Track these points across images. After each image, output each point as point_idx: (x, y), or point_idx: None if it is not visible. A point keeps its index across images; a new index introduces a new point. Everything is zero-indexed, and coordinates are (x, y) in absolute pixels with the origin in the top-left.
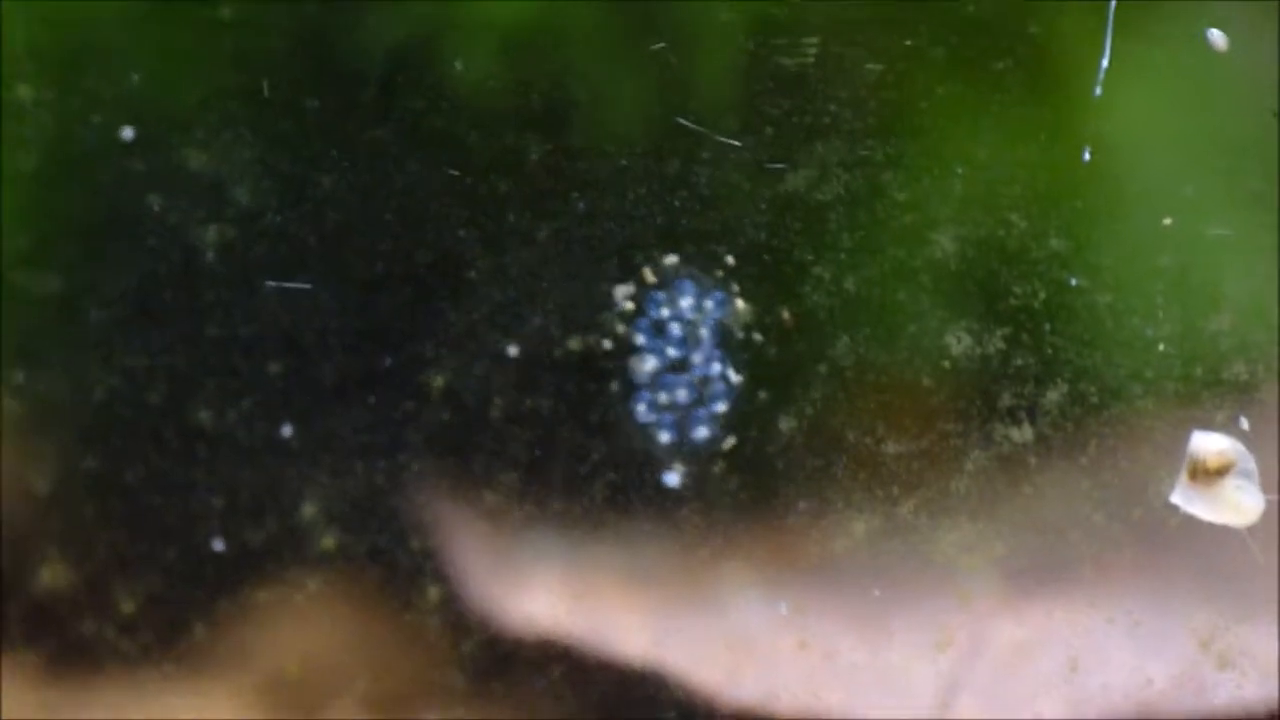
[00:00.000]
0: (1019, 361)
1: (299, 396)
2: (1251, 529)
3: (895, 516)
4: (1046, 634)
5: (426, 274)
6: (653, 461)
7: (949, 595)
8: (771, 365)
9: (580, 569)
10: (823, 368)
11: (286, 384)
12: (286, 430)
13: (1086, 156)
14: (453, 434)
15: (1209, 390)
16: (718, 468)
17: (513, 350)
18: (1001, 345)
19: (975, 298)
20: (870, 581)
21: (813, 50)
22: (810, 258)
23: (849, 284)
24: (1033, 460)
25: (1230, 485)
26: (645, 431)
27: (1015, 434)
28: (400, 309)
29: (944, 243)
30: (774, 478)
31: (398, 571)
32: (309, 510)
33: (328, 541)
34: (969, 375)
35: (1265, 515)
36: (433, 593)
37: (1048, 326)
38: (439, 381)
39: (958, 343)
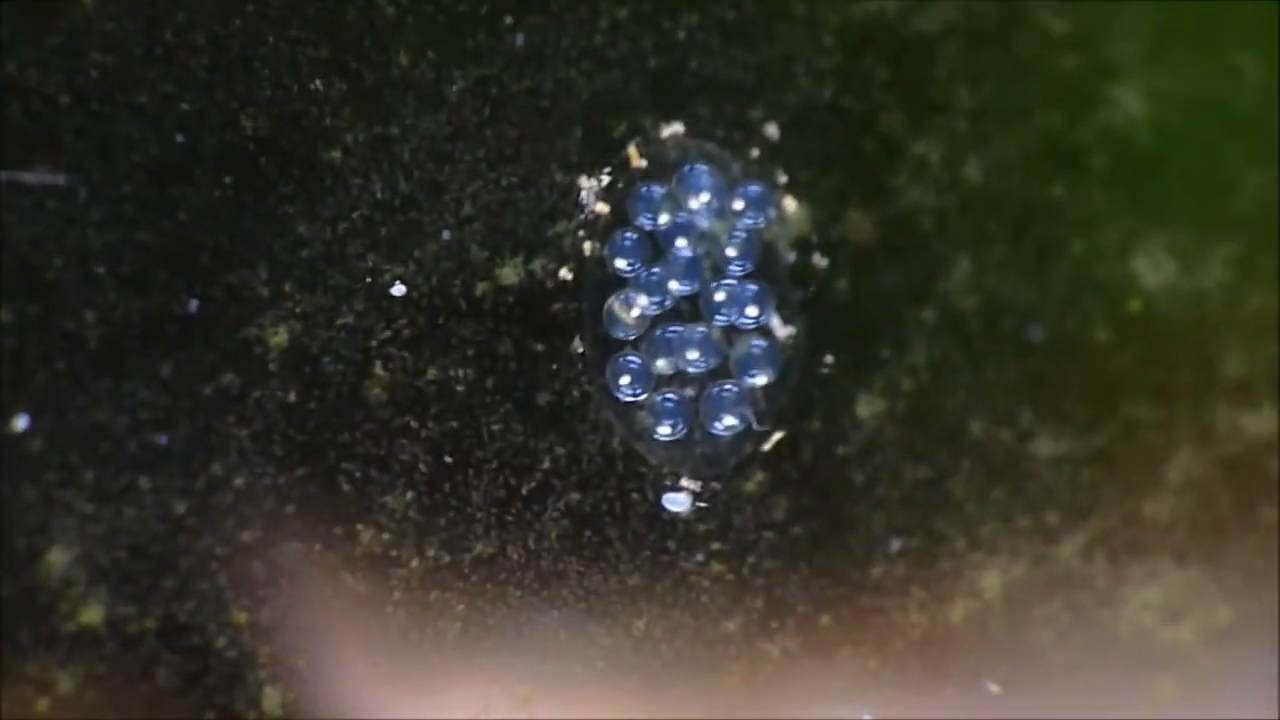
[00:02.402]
0: (1256, 300)
1: (41, 368)
2: None
3: (1052, 560)
4: None
5: (257, 155)
6: (645, 473)
7: (1144, 693)
8: (843, 309)
9: (524, 657)
10: (928, 312)
11: (21, 344)
12: (20, 424)
13: None
14: (303, 428)
15: None
16: (755, 482)
17: (401, 286)
18: (1226, 272)
19: (1181, 195)
20: (1013, 669)
21: None
22: (905, 128)
23: (970, 171)
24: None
25: None
26: (631, 421)
27: (1250, 421)
28: (212, 215)
29: (1128, 102)
30: (850, 500)
31: (211, 662)
32: (57, 559)
33: (90, 612)
34: (1173, 322)
35: None
36: (270, 697)
37: None
38: (279, 338)
39: (1154, 269)
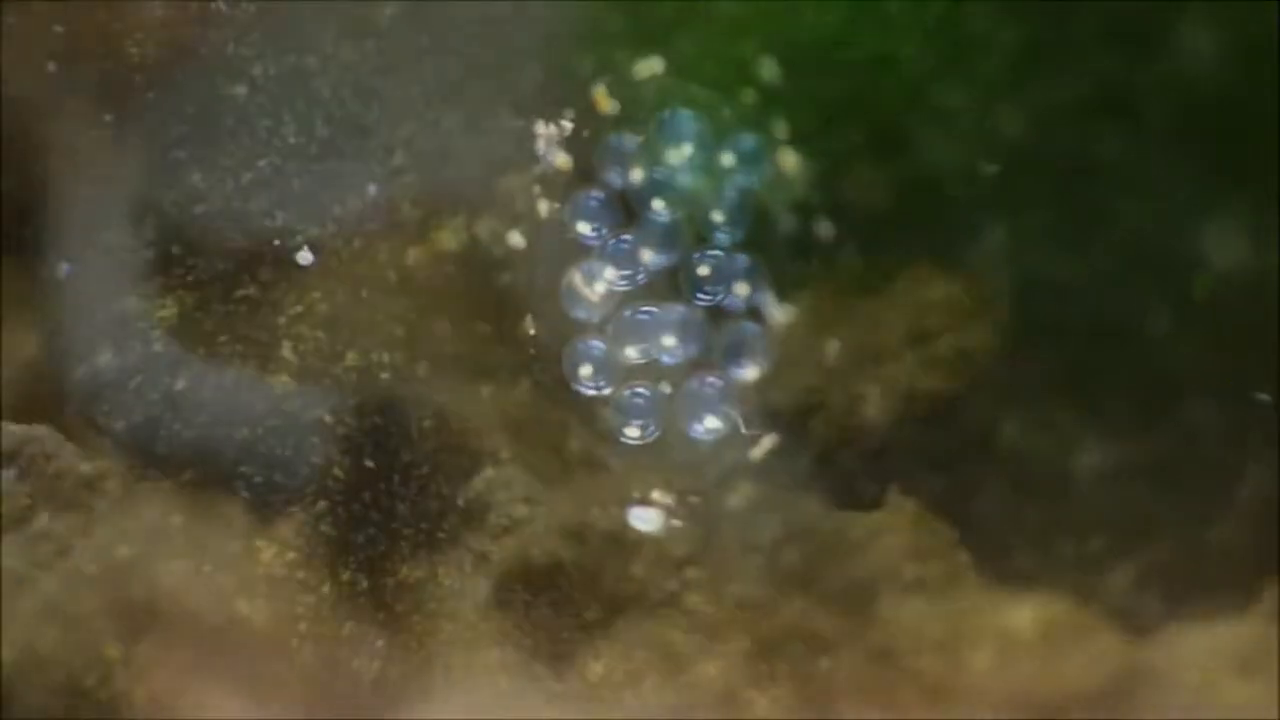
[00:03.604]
0: None
1: None
2: None
3: (1098, 595)
4: None
5: (143, 88)
6: (607, 483)
7: None
8: (854, 284)
9: (456, 704)
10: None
11: None
12: None
13: None
14: (193, 422)
15: None
16: (742, 496)
17: (308, 253)
18: None
19: (1260, 154)
20: None
21: None
22: (930, 70)
23: (1007, 122)
24: None
25: None
26: (592, 420)
27: None
28: (87, 160)
29: (1196, 39)
30: (856, 518)
31: (77, 705)
32: None
33: None
34: (1247, 308)
35: None
36: None
37: None
38: (166, 311)
39: (1224, 244)
